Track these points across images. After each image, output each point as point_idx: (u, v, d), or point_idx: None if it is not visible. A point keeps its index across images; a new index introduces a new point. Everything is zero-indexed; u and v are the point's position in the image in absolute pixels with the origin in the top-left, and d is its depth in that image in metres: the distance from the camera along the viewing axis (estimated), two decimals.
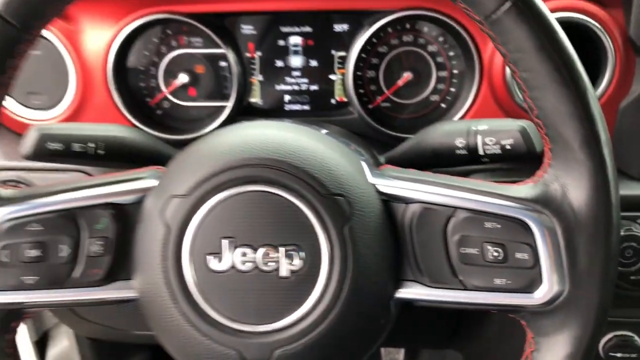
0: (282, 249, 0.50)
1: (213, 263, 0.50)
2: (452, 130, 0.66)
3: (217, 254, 0.50)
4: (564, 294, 0.50)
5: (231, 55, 0.85)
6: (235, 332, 0.51)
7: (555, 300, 0.50)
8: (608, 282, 0.50)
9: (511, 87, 0.79)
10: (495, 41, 0.49)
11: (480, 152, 0.64)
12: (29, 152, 0.64)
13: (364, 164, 0.56)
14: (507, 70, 0.79)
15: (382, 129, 0.86)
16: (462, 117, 0.84)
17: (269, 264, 0.50)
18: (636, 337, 0.87)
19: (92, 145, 0.66)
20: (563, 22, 0.77)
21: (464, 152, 0.65)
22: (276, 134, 0.54)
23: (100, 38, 0.82)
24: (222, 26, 0.87)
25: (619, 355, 0.87)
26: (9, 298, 0.53)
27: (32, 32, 0.50)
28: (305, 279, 0.50)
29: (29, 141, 0.64)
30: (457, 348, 1.31)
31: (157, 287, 0.51)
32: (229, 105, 0.86)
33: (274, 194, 0.50)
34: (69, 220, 0.54)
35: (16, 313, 0.55)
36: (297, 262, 0.50)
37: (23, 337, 1.34)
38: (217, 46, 0.86)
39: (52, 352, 1.34)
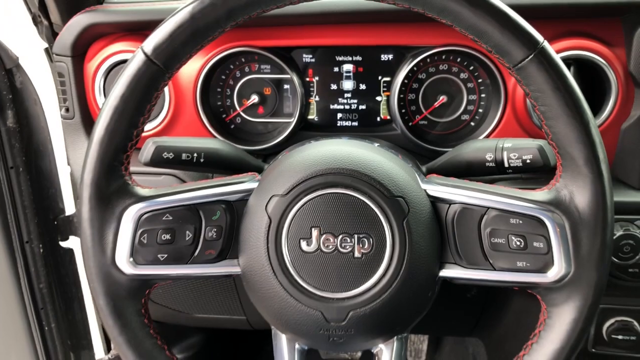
0: (356, 236, 0.67)
1: (304, 246, 0.67)
2: (483, 147, 0.82)
3: (308, 239, 0.67)
4: (570, 274, 0.66)
5: (296, 79, 1.02)
6: (319, 297, 0.67)
7: (563, 279, 0.66)
8: (604, 265, 0.65)
9: (530, 110, 0.95)
10: (520, 82, 0.65)
11: (506, 164, 0.80)
12: (148, 160, 0.81)
13: (416, 174, 0.73)
14: (529, 102, 0.95)
15: (420, 143, 1.02)
16: (489, 135, 1.00)
17: (346, 247, 0.67)
18: (635, 322, 1.01)
19: (195, 155, 0.83)
20: (574, 59, 0.93)
21: (492, 164, 0.81)
22: (351, 150, 0.71)
23: (192, 66, 1.00)
24: (289, 56, 1.04)
25: (620, 337, 1.02)
26: (147, 270, 0.70)
27: (172, 72, 0.67)
28: (373, 259, 0.67)
29: (148, 151, 0.81)
30: (479, 336, 1.47)
31: (261, 264, 0.68)
32: (293, 121, 1.03)
33: (351, 195, 0.67)
34: (193, 213, 0.71)
35: (150, 282, 0.72)
36: (367, 247, 0.67)
37: (93, 319, 1.52)
38: (283, 72, 1.03)
39: None
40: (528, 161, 0.78)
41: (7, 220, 1.18)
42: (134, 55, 0.65)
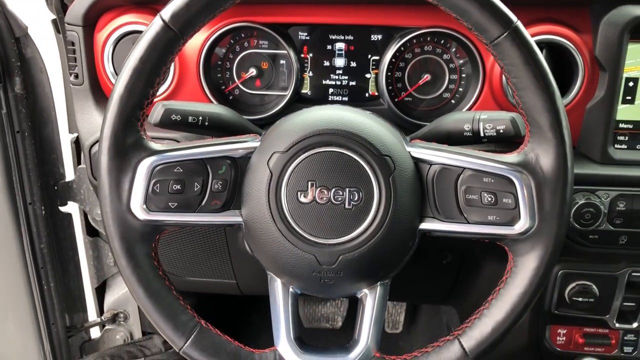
0: (347, 190, 0.76)
1: (301, 198, 0.76)
2: (462, 118, 0.90)
3: (304, 191, 0.76)
4: (534, 226, 0.75)
5: (292, 55, 1.10)
6: (313, 243, 0.76)
7: (528, 231, 0.75)
8: (564, 219, 0.75)
9: (506, 89, 1.05)
10: (496, 57, 0.74)
11: (481, 134, 0.88)
12: (157, 121, 0.89)
13: (402, 137, 0.82)
14: (504, 77, 1.04)
15: (405, 117, 1.11)
16: (475, 102, 1.08)
17: (338, 199, 0.75)
18: (594, 286, 1.12)
19: (201, 118, 0.90)
20: (546, 43, 1.03)
21: (469, 134, 0.89)
22: (345, 113, 0.79)
23: (196, 39, 1.07)
24: (286, 33, 1.12)
25: (580, 299, 1.12)
26: (158, 216, 0.78)
27: (186, 38, 0.75)
28: (361, 210, 0.76)
29: (157, 113, 0.88)
30: (453, 304, 1.57)
31: (262, 213, 0.77)
32: (288, 94, 1.11)
33: (344, 153, 0.76)
34: (201, 166, 0.79)
35: (161, 228, 0.79)
36: (357, 199, 0.75)
37: (87, 284, 1.58)
38: (280, 48, 1.11)
39: (110, 297, 1.59)
40: (501, 131, 0.87)
41: (12, 182, 1.24)
42: (153, 22, 0.73)
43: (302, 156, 0.76)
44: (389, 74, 1.12)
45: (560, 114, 0.73)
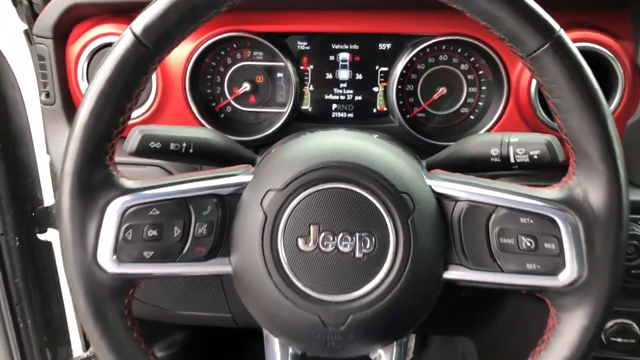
0: (357, 235, 0.63)
1: (301, 244, 0.63)
2: (488, 141, 0.78)
3: (305, 237, 0.63)
4: (582, 277, 0.62)
5: (290, 67, 0.97)
6: (317, 301, 0.63)
7: (575, 282, 0.63)
8: (618, 269, 0.62)
9: (534, 104, 0.92)
10: (534, 73, 0.61)
11: (512, 160, 0.76)
12: (133, 150, 0.76)
13: (420, 168, 0.69)
14: (532, 89, 0.91)
15: (418, 136, 0.98)
16: (490, 128, 0.96)
17: (347, 246, 0.63)
18: (635, 325, 0.99)
19: (184, 145, 0.78)
20: (582, 51, 0.90)
21: (497, 160, 0.77)
22: (352, 141, 0.67)
23: (181, 51, 0.94)
24: (283, 43, 0.99)
25: (619, 340, 0.99)
26: (131, 269, 0.65)
27: (163, 55, 0.62)
28: (375, 259, 0.63)
29: (134, 140, 0.76)
30: (470, 335, 1.44)
31: (255, 263, 0.64)
32: (286, 111, 0.98)
33: (352, 190, 0.63)
34: (182, 207, 0.66)
35: (134, 282, 0.67)
36: (369, 246, 0.63)
37: (71, 315, 1.46)
38: (277, 59, 0.98)
39: None
40: (535, 157, 0.74)
41: None
42: (122, 36, 0.60)
43: (302, 194, 0.63)
44: (400, 87, 1.00)
45: (614, 142, 0.60)
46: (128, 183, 0.66)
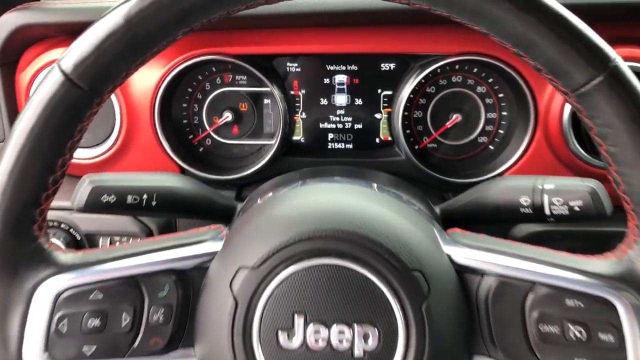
0: (356, 327, 0.48)
1: (284, 340, 0.48)
2: (517, 187, 0.64)
3: (289, 330, 0.48)
4: None
5: (277, 93, 0.83)
6: None
7: None
8: None
9: (567, 134, 0.77)
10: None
11: (547, 211, 0.62)
12: (82, 205, 0.62)
13: (434, 229, 0.54)
14: (565, 115, 0.77)
15: (429, 171, 0.84)
16: (515, 163, 0.81)
17: (343, 342, 0.48)
18: None
19: (145, 196, 0.64)
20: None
21: (528, 210, 0.63)
22: (347, 202, 0.52)
23: (148, 78, 0.80)
24: (270, 66, 0.85)
25: None
26: None
27: (102, 97, 0.48)
28: (379, 359, 0.48)
29: (82, 194, 0.62)
30: None
31: None
32: (274, 143, 0.84)
33: (348, 268, 0.49)
34: (132, 288, 0.52)
35: None
36: (372, 342, 0.48)
37: None
38: (262, 84, 0.84)
39: None
40: (577, 208, 0.60)
41: None
42: (48, 73, 0.47)
43: (283, 274, 0.49)
44: (407, 113, 0.86)
45: None
46: (63, 257, 0.52)
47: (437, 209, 0.71)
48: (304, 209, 0.51)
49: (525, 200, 0.63)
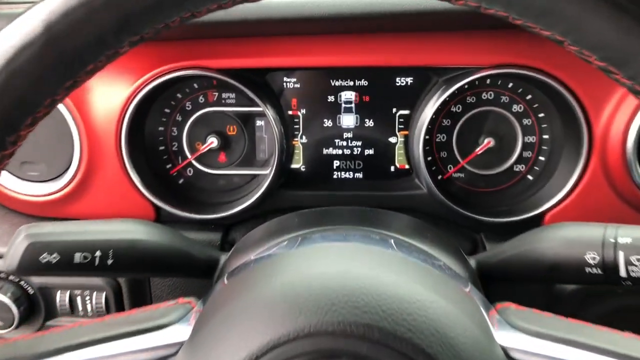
0: None
1: None
2: (581, 240, 0.49)
3: None
4: None
5: (271, 114, 0.68)
6: None
7: None
8: None
9: (632, 165, 0.62)
10: None
11: (622, 273, 0.47)
12: (14, 267, 0.48)
13: (482, 310, 0.40)
14: (629, 144, 0.62)
15: (456, 208, 0.69)
16: (564, 199, 0.66)
17: None
18: None
19: (98, 254, 0.50)
20: None
21: (597, 270, 0.48)
22: (365, 276, 0.37)
23: (113, 97, 0.66)
24: (262, 82, 0.71)
25: None
26: None
27: (17, 133, 0.33)
28: None
29: (15, 252, 0.48)
30: None
31: None
32: (269, 173, 0.70)
33: None
34: None
35: None
36: None
37: None
38: (253, 103, 0.70)
39: None
40: None
41: None
42: None
43: None
44: (428, 137, 0.72)
45: None
46: None
47: (472, 261, 0.56)
48: (304, 286, 0.37)
49: (592, 257, 0.48)
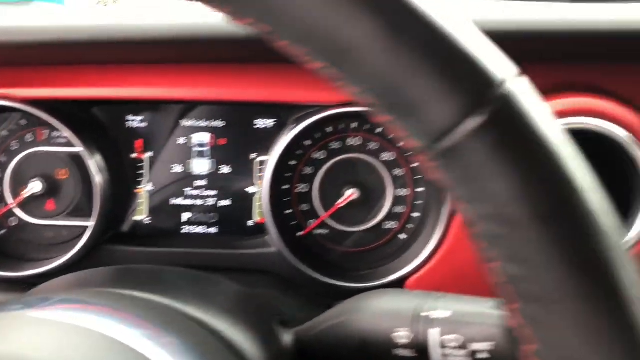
0: None
1: None
2: (393, 312, 0.39)
3: None
4: None
5: (94, 155, 0.59)
6: None
7: None
8: None
9: None
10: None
11: (435, 357, 0.36)
12: None
13: None
14: None
15: (314, 274, 0.58)
16: (427, 260, 0.56)
17: None
18: None
19: None
20: (579, 133, 0.51)
21: (408, 353, 0.37)
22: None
23: None
24: (87, 117, 0.61)
25: None
26: None
27: None
28: None
29: None
30: None
31: None
32: (90, 225, 0.59)
33: None
34: None
35: None
36: None
37: None
38: (75, 143, 0.60)
39: None
40: (482, 357, 0.35)
41: None
42: None
43: None
44: (287, 186, 0.62)
45: None
46: None
47: (289, 335, 0.45)
48: None
49: (401, 335, 0.37)
